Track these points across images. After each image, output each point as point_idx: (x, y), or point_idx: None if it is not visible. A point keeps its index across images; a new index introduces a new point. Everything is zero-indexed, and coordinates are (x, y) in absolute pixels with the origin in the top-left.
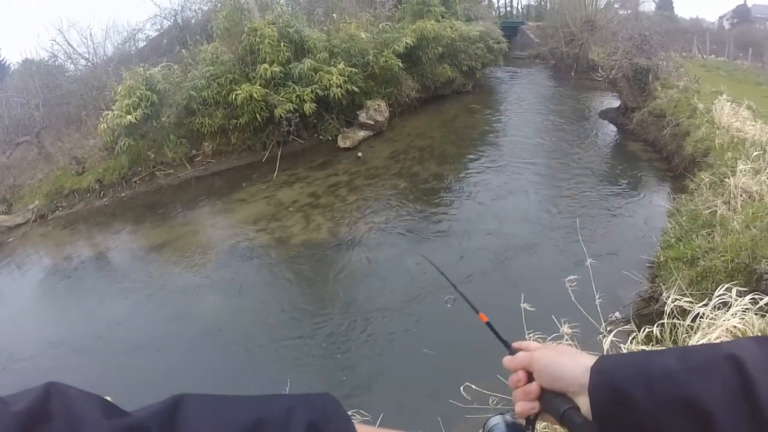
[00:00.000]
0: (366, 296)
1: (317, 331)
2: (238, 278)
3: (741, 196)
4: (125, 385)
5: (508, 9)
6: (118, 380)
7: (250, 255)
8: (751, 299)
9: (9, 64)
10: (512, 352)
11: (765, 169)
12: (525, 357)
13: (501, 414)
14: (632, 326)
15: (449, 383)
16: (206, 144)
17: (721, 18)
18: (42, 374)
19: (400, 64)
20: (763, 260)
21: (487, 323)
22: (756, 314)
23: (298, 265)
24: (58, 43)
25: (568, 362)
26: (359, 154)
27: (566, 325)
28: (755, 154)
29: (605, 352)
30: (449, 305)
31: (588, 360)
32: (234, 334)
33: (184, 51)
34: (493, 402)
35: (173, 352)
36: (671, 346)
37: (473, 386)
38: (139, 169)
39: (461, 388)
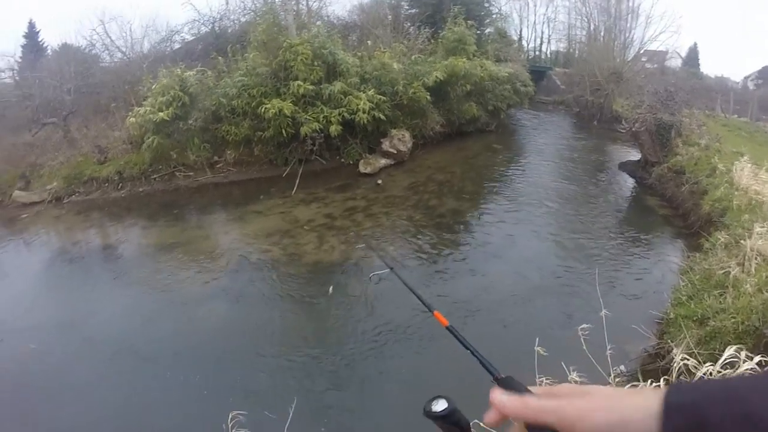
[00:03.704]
0: (369, 325)
1: (316, 352)
2: (244, 289)
3: (756, 258)
4: (79, 376)
5: (537, 53)
6: (81, 367)
7: (260, 267)
8: (758, 362)
9: (46, 46)
10: (503, 383)
11: None
12: (548, 405)
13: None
14: (637, 381)
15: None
16: (229, 152)
17: (746, 78)
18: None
19: (428, 97)
20: None
21: (449, 328)
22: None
23: (306, 283)
24: (97, 33)
25: (632, 401)
26: (379, 182)
27: (574, 373)
28: None
29: None
30: (375, 283)
31: (641, 397)
32: (231, 344)
33: (220, 58)
34: None
35: (160, 353)
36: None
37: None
38: (160, 167)
39: None
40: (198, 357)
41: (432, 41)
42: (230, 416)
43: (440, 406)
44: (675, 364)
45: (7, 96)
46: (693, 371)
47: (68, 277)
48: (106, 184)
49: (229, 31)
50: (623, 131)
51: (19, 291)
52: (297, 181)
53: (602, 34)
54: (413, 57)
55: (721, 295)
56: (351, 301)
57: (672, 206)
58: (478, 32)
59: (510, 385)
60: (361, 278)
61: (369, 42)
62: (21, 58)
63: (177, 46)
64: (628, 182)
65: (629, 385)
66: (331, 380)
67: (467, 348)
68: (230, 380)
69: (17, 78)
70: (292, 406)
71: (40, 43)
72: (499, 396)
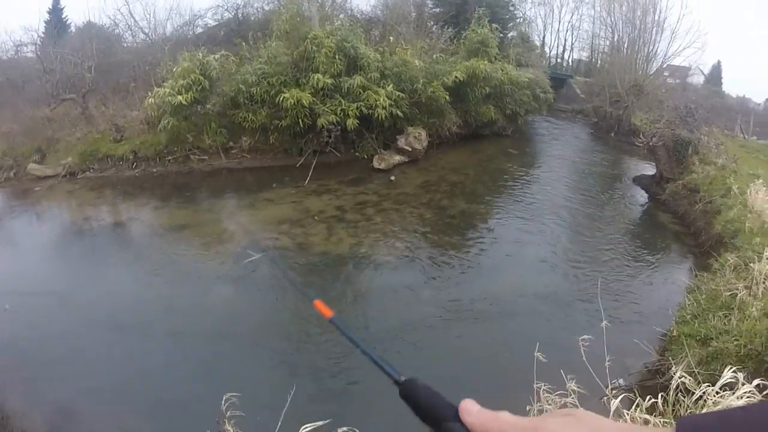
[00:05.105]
0: (370, 318)
1: (317, 341)
2: (250, 274)
3: (764, 282)
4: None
5: (559, 60)
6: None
7: (268, 254)
8: (756, 385)
9: (70, 23)
10: (406, 386)
11: None
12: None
13: None
14: (634, 395)
15: None
16: (245, 139)
17: None
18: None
19: (447, 97)
20: None
21: (332, 320)
22: (763, 399)
23: (312, 273)
24: (122, 13)
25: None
26: (392, 178)
27: (573, 382)
28: None
29: (611, 416)
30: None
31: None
32: (233, 328)
33: (243, 44)
34: None
35: (157, 331)
36: (672, 420)
37: None
38: (175, 149)
39: None
40: (198, 338)
41: (454, 41)
42: (224, 398)
43: None
44: (674, 382)
45: (29, 70)
46: (692, 390)
47: (75, 251)
48: (121, 163)
49: (252, 18)
50: (640, 145)
51: (25, 261)
52: (310, 171)
53: (626, 45)
54: (435, 56)
55: (726, 316)
56: (356, 292)
57: (684, 224)
58: (501, 35)
59: (416, 388)
60: (367, 270)
61: (391, 38)
62: (44, 33)
63: (199, 30)
64: (642, 196)
65: (621, 397)
66: (330, 371)
67: (357, 346)
68: (228, 363)
69: (39, 53)
70: (291, 392)
71: (64, 20)
72: (470, 404)
